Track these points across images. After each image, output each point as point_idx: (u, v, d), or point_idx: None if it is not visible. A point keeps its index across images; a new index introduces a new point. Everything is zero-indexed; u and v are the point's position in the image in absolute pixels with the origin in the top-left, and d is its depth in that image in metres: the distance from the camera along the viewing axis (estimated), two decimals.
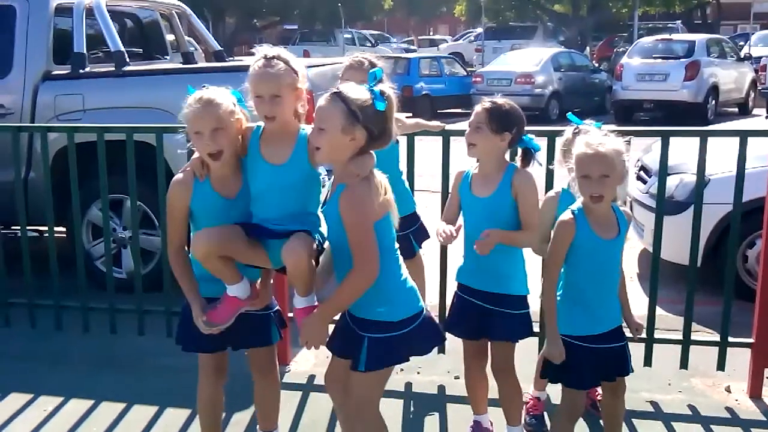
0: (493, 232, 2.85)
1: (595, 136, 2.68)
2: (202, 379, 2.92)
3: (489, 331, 3.01)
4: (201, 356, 2.90)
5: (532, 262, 3.13)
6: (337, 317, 2.73)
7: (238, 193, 2.73)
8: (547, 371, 2.84)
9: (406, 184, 3.81)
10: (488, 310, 2.99)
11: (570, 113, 3.05)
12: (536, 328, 3.82)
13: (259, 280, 2.86)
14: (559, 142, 3.13)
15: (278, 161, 2.65)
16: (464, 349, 3.16)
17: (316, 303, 2.60)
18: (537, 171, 3.06)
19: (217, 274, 2.66)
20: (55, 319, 4.38)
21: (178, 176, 2.77)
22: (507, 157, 3.03)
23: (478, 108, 2.96)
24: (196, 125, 2.63)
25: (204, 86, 2.70)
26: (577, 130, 2.95)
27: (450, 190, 3.20)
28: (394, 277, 2.55)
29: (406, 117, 3.75)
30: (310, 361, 4.13)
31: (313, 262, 2.60)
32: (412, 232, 3.79)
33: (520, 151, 3.02)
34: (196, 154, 2.74)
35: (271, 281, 2.98)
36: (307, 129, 2.66)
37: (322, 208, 2.60)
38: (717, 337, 3.76)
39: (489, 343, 3.08)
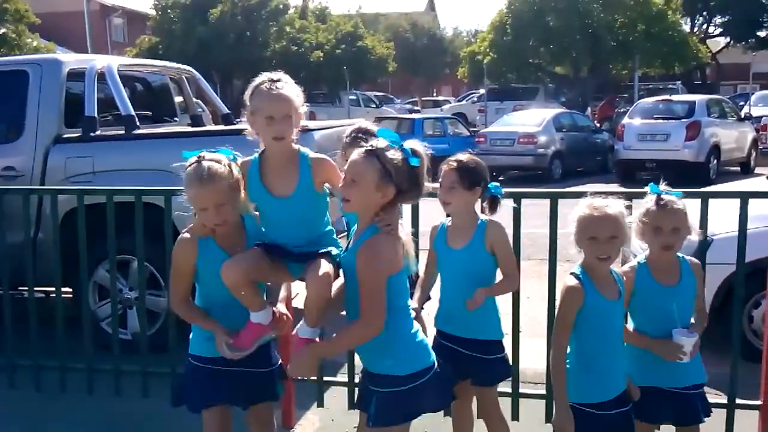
0: (480, 291, 2.99)
1: (600, 198, 2.72)
2: None
3: (469, 376, 3.12)
4: (205, 415, 2.89)
5: (504, 307, 3.24)
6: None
7: (241, 249, 2.79)
8: None
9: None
10: (466, 356, 3.08)
11: (652, 183, 2.92)
12: (542, 390, 3.82)
13: (278, 306, 2.89)
14: (637, 213, 2.93)
15: (284, 193, 2.71)
16: None
17: (317, 339, 2.63)
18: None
19: (243, 300, 2.72)
20: (59, 380, 4.36)
21: (184, 235, 2.83)
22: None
23: (445, 167, 3.10)
24: (201, 203, 2.69)
25: (199, 155, 2.74)
26: (662, 202, 2.84)
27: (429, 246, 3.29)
28: (403, 332, 2.57)
29: None
30: (315, 425, 4.09)
31: (332, 291, 2.65)
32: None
33: (487, 199, 3.14)
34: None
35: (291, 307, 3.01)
36: (305, 149, 2.74)
37: (342, 254, 2.66)
38: (725, 399, 3.73)
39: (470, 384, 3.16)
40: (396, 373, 2.53)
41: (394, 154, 2.50)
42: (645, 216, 2.85)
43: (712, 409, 3.66)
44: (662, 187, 2.92)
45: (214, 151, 2.77)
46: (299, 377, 2.63)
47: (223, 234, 2.78)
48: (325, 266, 2.62)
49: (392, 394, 2.52)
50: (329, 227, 2.84)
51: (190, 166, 2.72)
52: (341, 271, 2.67)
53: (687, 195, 3.90)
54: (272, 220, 2.79)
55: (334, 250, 2.73)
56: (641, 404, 2.88)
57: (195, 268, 2.80)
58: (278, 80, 2.71)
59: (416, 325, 2.64)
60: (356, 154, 2.53)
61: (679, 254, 2.95)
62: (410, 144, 2.56)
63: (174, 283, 2.86)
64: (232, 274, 2.64)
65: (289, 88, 2.72)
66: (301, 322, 2.64)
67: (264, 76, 2.74)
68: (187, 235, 2.81)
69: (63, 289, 4.43)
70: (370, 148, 2.51)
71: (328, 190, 2.80)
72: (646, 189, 2.94)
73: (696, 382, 2.98)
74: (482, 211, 3.18)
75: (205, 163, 2.69)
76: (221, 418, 2.90)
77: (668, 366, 2.87)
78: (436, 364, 2.62)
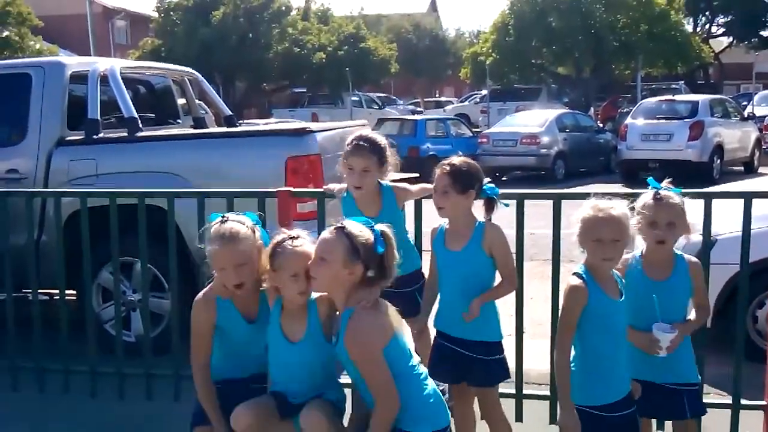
0: (475, 302, 3.01)
1: (604, 200, 2.72)
2: None
3: (468, 377, 3.13)
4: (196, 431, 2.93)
5: (507, 308, 3.25)
6: None
7: (258, 316, 2.88)
8: None
9: (412, 242, 3.85)
10: (466, 356, 3.08)
11: (650, 178, 2.99)
12: (546, 391, 3.82)
13: None
14: (637, 206, 2.95)
15: (294, 338, 2.76)
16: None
17: None
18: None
19: None
20: (63, 382, 4.37)
21: (202, 296, 2.89)
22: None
23: (438, 172, 3.11)
24: (221, 262, 2.75)
25: (224, 216, 2.81)
26: (659, 196, 2.89)
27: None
28: (416, 396, 2.60)
29: (410, 177, 3.84)
30: None
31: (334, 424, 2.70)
32: (417, 289, 3.82)
33: (483, 201, 3.15)
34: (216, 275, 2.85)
35: None
36: (319, 294, 2.77)
37: (335, 347, 2.69)
38: (729, 400, 3.72)
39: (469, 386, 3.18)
40: (410, 430, 2.58)
41: (362, 232, 2.57)
42: (642, 209, 2.86)
43: (717, 410, 3.69)
44: (664, 184, 2.93)
45: (240, 214, 2.86)
46: None
47: (241, 296, 2.84)
48: (315, 403, 2.69)
49: None
50: (336, 378, 2.90)
51: (214, 225, 2.78)
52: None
53: (691, 195, 3.91)
54: (279, 362, 2.83)
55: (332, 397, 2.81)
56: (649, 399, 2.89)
57: (215, 327, 2.87)
58: (297, 236, 2.75)
59: (429, 384, 2.67)
60: (326, 232, 2.62)
61: (678, 252, 2.95)
62: (380, 227, 2.62)
63: (195, 345, 2.91)
64: (243, 419, 2.70)
65: (307, 244, 2.73)
66: None
67: (283, 235, 2.76)
68: (204, 295, 2.88)
69: (66, 292, 4.43)
70: (339, 225, 2.59)
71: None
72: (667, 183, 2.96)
73: (684, 381, 2.97)
74: (484, 216, 3.18)
75: (228, 224, 2.76)
76: None
77: (654, 360, 2.88)
78: (450, 424, 2.68)
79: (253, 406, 2.73)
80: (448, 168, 3.08)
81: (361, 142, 3.50)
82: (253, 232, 2.80)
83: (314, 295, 2.76)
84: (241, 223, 2.78)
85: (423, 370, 2.70)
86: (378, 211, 3.54)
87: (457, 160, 3.12)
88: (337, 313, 2.70)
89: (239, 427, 2.70)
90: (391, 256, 2.62)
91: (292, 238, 2.71)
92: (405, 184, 3.69)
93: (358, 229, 2.59)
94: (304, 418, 2.65)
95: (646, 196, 2.90)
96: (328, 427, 2.65)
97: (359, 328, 2.53)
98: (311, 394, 2.73)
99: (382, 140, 3.56)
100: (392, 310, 2.64)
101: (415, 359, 2.69)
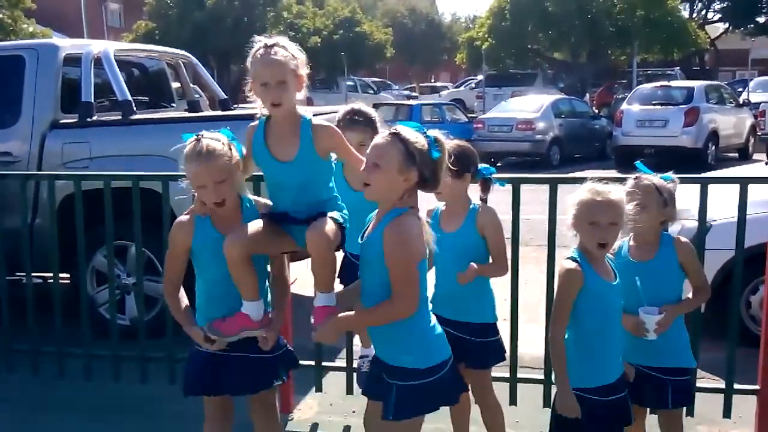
0: (472, 266, 3.02)
1: (602, 184, 2.71)
2: (207, 426, 2.91)
3: (463, 359, 3.08)
4: (206, 401, 2.89)
5: (502, 292, 3.27)
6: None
7: None
8: (555, 426, 2.80)
9: None
10: (460, 339, 3.06)
11: (639, 162, 3.04)
12: (540, 375, 3.83)
13: (271, 311, 2.86)
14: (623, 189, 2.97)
15: (286, 158, 2.70)
16: None
17: (335, 304, 2.60)
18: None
19: (240, 283, 2.70)
20: (57, 365, 4.37)
21: (182, 217, 2.83)
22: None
23: None
24: (200, 180, 2.68)
25: (199, 133, 2.74)
26: (638, 180, 2.95)
27: None
28: (422, 325, 2.54)
29: None
30: (313, 409, 4.10)
31: (335, 247, 2.63)
32: None
33: (479, 182, 3.16)
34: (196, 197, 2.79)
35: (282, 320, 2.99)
36: (308, 113, 2.71)
37: (361, 240, 2.57)
38: (722, 384, 3.74)
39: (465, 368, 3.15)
40: (415, 366, 2.49)
41: (418, 138, 2.46)
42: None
43: (710, 394, 3.71)
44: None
45: (215, 131, 2.77)
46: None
47: (221, 216, 2.77)
48: (329, 224, 2.61)
49: (412, 387, 2.48)
50: (334, 194, 2.81)
51: (189, 144, 2.71)
52: (358, 261, 2.61)
53: (686, 181, 3.92)
54: (275, 184, 2.79)
55: (336, 215, 2.71)
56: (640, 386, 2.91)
57: (191, 250, 2.79)
58: (273, 45, 2.66)
59: (433, 317, 2.61)
60: (379, 137, 2.48)
61: (669, 233, 2.98)
62: (434, 133, 2.51)
63: (169, 265, 2.85)
64: (235, 247, 2.62)
65: (285, 52, 2.65)
66: (318, 293, 2.62)
67: (260, 42, 2.69)
68: (185, 217, 2.81)
69: (60, 275, 4.42)
70: (393, 131, 2.46)
71: (333, 157, 2.78)
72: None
73: (675, 365, 2.97)
74: (480, 196, 3.20)
75: (204, 141, 2.69)
76: (222, 403, 2.90)
77: (643, 344, 2.89)
78: (451, 356, 2.60)
79: (242, 229, 2.67)
80: None
81: (356, 117, 3.45)
82: (230, 148, 2.73)
83: (314, 120, 2.68)
84: (216, 140, 2.71)
85: (430, 304, 2.64)
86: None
87: (450, 144, 3.09)
88: (332, 145, 2.65)
89: (232, 254, 2.63)
90: (444, 162, 2.51)
91: (267, 46, 2.63)
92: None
93: (413, 134, 2.46)
94: (313, 227, 2.58)
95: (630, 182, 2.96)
96: (330, 243, 2.59)
97: (406, 229, 2.41)
98: (310, 211, 2.68)
99: (374, 113, 3.53)
100: (429, 230, 2.55)
101: (426, 291, 2.61)
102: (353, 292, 2.67)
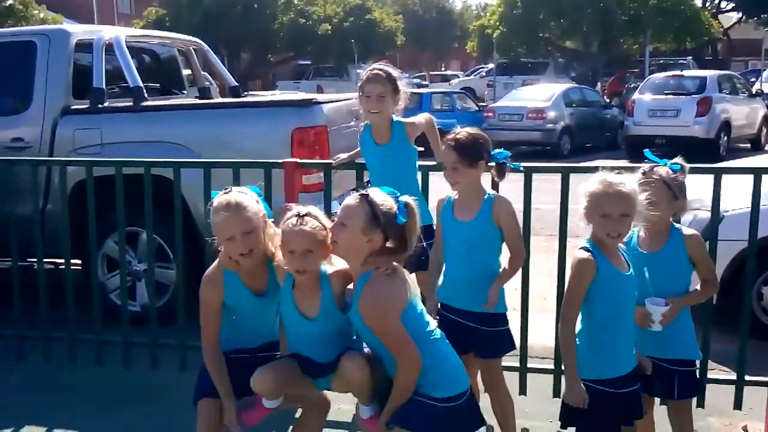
0: (492, 288, 3.02)
1: (613, 175, 2.69)
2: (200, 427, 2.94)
3: (473, 348, 3.13)
4: (201, 403, 2.93)
5: (512, 282, 3.22)
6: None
7: (267, 289, 2.87)
8: (565, 416, 2.79)
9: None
10: (470, 329, 3.08)
11: (647, 150, 3.03)
12: (550, 365, 3.83)
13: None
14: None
15: (310, 314, 2.75)
16: None
17: (378, 409, 2.70)
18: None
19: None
20: (68, 351, 4.39)
21: (209, 274, 2.88)
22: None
23: (444, 149, 3.10)
24: (228, 231, 2.74)
25: (226, 188, 2.82)
26: (647, 174, 2.90)
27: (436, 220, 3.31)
28: (435, 360, 2.60)
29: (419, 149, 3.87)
30: None
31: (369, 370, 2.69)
32: (429, 244, 3.83)
33: (494, 167, 3.15)
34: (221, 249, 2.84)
35: None
36: (329, 268, 2.72)
37: (347, 312, 2.68)
38: (733, 376, 3.73)
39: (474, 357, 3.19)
40: (431, 394, 2.58)
41: (386, 201, 2.56)
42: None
43: (721, 386, 3.70)
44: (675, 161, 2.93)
45: (242, 187, 2.87)
46: None
47: (247, 270, 2.83)
48: (350, 355, 2.69)
49: (426, 405, 2.56)
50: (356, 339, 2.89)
51: (218, 198, 2.79)
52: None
53: (700, 171, 3.89)
54: (297, 339, 2.83)
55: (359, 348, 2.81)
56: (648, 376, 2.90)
57: (223, 304, 2.87)
58: (306, 214, 2.67)
59: (448, 348, 2.68)
60: (350, 198, 2.60)
61: (678, 225, 2.96)
62: (405, 199, 2.61)
63: (204, 323, 2.90)
64: (263, 383, 2.72)
65: (315, 222, 2.66)
66: (360, 407, 2.74)
67: (293, 210, 2.69)
68: (211, 273, 2.87)
69: (72, 261, 4.44)
70: (364, 193, 2.58)
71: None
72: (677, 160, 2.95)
73: (681, 357, 2.96)
74: (492, 182, 3.19)
75: (231, 194, 2.77)
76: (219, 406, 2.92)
77: (650, 334, 2.88)
78: (470, 388, 2.67)
79: (273, 369, 2.74)
80: (453, 143, 3.05)
81: (377, 71, 3.71)
82: (257, 202, 2.81)
83: (328, 269, 2.73)
84: (243, 193, 2.81)
85: (440, 333, 2.69)
86: (388, 140, 3.73)
87: (461, 134, 3.08)
88: (350, 285, 2.69)
89: (259, 389, 2.72)
90: (413, 228, 2.60)
91: (300, 216, 2.67)
92: (413, 119, 3.81)
93: (381, 197, 2.57)
94: (347, 360, 2.65)
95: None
96: (369, 374, 2.65)
97: (374, 293, 2.51)
98: (334, 356, 2.74)
99: (396, 71, 3.75)
100: (410, 277, 2.64)
101: (432, 324, 2.69)
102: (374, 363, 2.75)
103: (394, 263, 2.59)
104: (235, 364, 2.90)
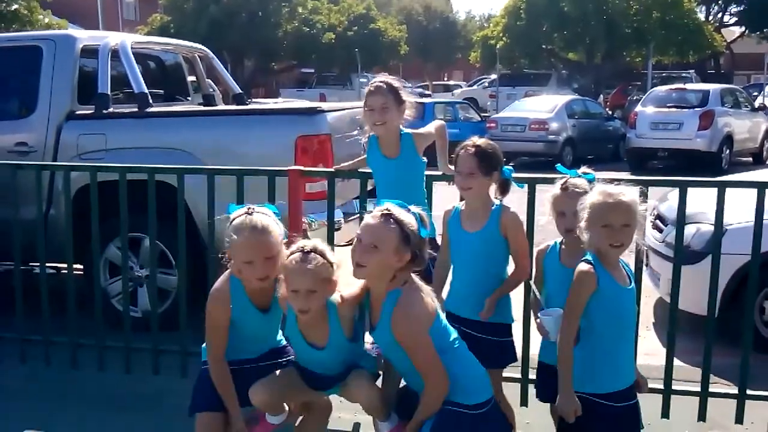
0: (489, 300, 3.04)
1: (613, 186, 2.70)
2: None
3: (479, 357, 3.07)
4: (201, 417, 2.91)
5: (514, 293, 3.25)
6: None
7: (272, 305, 2.84)
8: (562, 429, 2.79)
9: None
10: (476, 338, 3.07)
11: (559, 164, 3.11)
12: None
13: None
14: (549, 195, 3.05)
15: (318, 343, 2.73)
16: None
17: (398, 421, 2.71)
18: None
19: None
20: (70, 356, 4.38)
21: (218, 288, 2.83)
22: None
23: (463, 153, 3.09)
24: (249, 255, 2.67)
25: (249, 208, 2.74)
26: (564, 185, 2.95)
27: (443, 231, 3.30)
28: (464, 369, 2.63)
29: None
30: None
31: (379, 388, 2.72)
32: (432, 259, 3.85)
33: (499, 182, 3.16)
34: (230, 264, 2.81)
35: None
36: (335, 298, 2.69)
37: (371, 332, 2.66)
38: (735, 390, 3.72)
39: None
40: (462, 402, 2.59)
41: (409, 219, 2.53)
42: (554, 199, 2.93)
43: (724, 400, 3.69)
44: (581, 170, 2.98)
45: (261, 206, 2.81)
46: None
47: (256, 288, 2.79)
48: (358, 373, 2.72)
49: (456, 414, 2.57)
50: (363, 351, 2.89)
51: (239, 216, 2.71)
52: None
53: (705, 184, 3.90)
54: (308, 364, 2.84)
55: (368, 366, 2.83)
56: (546, 382, 2.96)
57: (231, 321, 2.85)
58: (310, 250, 2.62)
59: (471, 357, 2.69)
60: (372, 218, 2.52)
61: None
62: (416, 210, 2.60)
63: (210, 338, 2.87)
64: (259, 397, 2.73)
65: (320, 259, 2.62)
66: (377, 423, 2.75)
67: (297, 245, 2.66)
68: (218, 290, 2.83)
69: (74, 266, 4.44)
70: (386, 211, 2.51)
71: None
72: (584, 170, 2.98)
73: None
74: (496, 195, 3.19)
75: (256, 216, 2.69)
76: (219, 421, 2.90)
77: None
78: (494, 397, 2.69)
79: (270, 382, 2.75)
80: (473, 149, 3.06)
81: (378, 83, 3.70)
82: (277, 224, 2.75)
83: (334, 297, 2.70)
84: (267, 215, 2.73)
85: (462, 343, 2.70)
86: (397, 153, 3.70)
87: (481, 141, 3.10)
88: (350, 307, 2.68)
89: (257, 402, 2.72)
90: (427, 240, 2.60)
91: (304, 252, 2.59)
92: (421, 130, 3.80)
93: (404, 215, 2.53)
94: (356, 384, 2.65)
95: (556, 186, 2.96)
96: (379, 395, 2.66)
97: (409, 309, 2.50)
98: (343, 368, 2.74)
99: (397, 82, 3.73)
100: (427, 288, 2.63)
101: (454, 334, 2.69)
102: (389, 375, 2.78)
103: (417, 278, 2.58)
104: (240, 374, 2.89)
